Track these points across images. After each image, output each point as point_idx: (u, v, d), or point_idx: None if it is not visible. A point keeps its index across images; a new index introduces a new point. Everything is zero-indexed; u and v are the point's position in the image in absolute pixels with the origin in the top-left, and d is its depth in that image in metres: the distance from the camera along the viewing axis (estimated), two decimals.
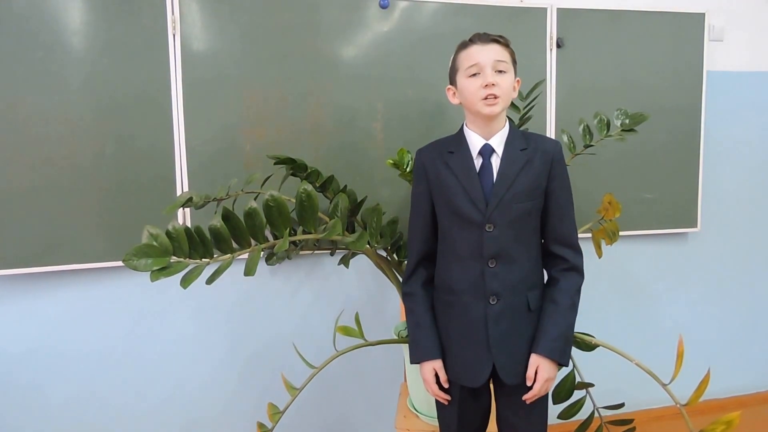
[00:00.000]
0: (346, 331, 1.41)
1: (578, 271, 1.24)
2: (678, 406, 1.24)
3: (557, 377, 1.30)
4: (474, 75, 1.16)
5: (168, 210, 1.39)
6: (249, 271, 1.07)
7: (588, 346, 1.40)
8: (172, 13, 1.69)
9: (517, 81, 1.22)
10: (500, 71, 1.16)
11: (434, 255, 1.30)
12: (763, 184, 2.34)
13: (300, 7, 1.78)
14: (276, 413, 1.35)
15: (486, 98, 1.15)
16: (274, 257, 1.80)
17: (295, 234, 1.20)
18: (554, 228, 1.24)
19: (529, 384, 1.19)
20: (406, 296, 1.32)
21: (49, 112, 1.63)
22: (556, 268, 1.25)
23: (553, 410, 1.32)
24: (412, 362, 1.28)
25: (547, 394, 1.30)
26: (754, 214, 2.35)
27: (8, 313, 1.72)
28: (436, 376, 1.25)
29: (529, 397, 1.20)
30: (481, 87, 1.15)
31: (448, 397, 1.27)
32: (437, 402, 1.32)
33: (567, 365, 1.21)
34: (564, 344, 1.20)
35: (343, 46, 1.82)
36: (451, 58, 1.24)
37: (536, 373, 1.18)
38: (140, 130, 1.70)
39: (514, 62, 1.21)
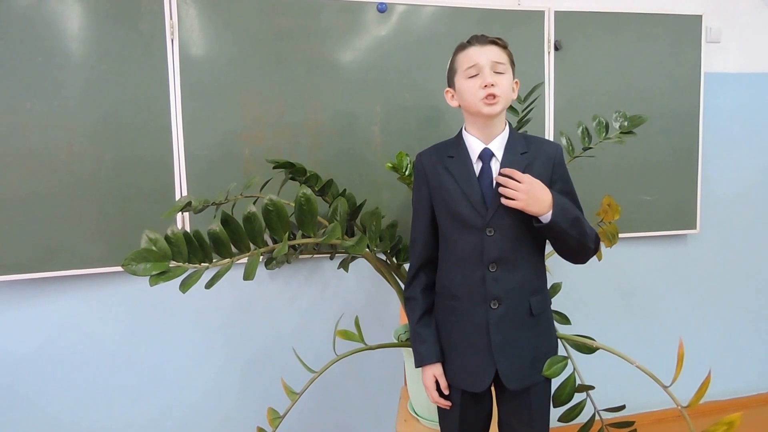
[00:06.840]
0: (346, 335, 1.40)
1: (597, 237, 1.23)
2: (679, 408, 1.24)
3: (554, 383, 1.30)
4: (473, 76, 1.17)
5: (167, 214, 1.38)
6: (248, 275, 1.07)
7: (588, 349, 1.40)
8: (170, 19, 1.69)
9: (516, 83, 1.23)
10: (499, 72, 1.16)
11: (436, 260, 1.30)
12: (761, 185, 2.35)
13: (298, 12, 1.78)
14: (276, 418, 1.35)
15: (485, 98, 1.15)
16: (274, 261, 1.80)
17: (295, 238, 1.20)
18: None
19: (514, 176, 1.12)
20: (407, 301, 1.32)
21: (48, 117, 1.63)
22: None
23: (554, 413, 1.31)
24: (416, 366, 1.28)
25: (548, 403, 1.30)
26: (752, 216, 2.35)
27: (9, 319, 1.72)
28: (437, 384, 1.25)
29: (506, 169, 1.14)
30: (481, 87, 1.15)
31: (449, 404, 1.26)
32: (439, 406, 1.32)
33: (548, 220, 1.13)
34: (564, 209, 1.14)
35: (341, 50, 1.83)
36: (449, 60, 1.24)
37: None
38: (139, 135, 1.70)
39: (512, 64, 1.21)
